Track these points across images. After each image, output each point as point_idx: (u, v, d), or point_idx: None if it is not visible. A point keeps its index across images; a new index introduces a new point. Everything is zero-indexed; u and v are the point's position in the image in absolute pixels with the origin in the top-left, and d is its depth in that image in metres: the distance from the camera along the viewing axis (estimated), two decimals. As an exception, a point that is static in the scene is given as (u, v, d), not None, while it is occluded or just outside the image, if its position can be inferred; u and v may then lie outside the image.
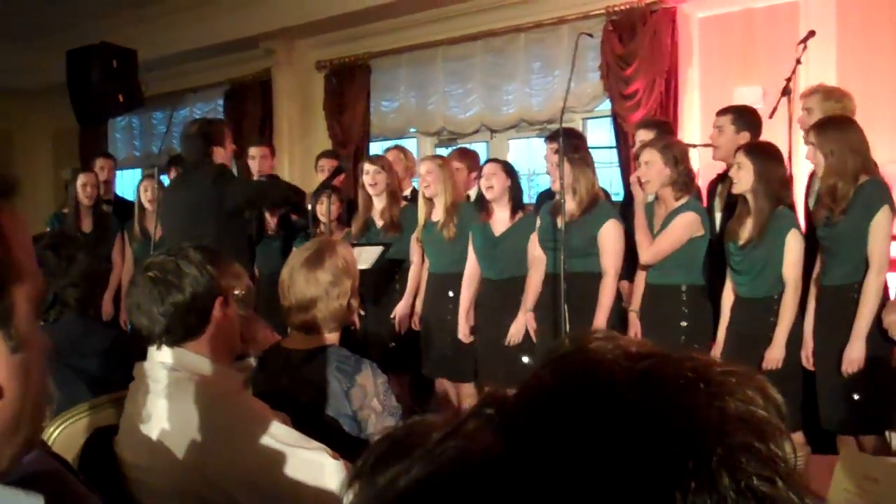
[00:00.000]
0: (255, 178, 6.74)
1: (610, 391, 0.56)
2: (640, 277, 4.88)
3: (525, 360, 5.13)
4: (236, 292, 2.49)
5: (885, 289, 4.19)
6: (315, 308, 2.89)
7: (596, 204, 4.99)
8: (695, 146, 5.58)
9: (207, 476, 2.17)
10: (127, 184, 11.10)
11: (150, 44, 9.02)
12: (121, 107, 8.88)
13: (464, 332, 5.48)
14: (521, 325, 5.22)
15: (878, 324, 4.06)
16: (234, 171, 6.57)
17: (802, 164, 5.18)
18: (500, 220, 5.38)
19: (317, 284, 2.89)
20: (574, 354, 0.60)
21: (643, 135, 5.31)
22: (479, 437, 0.56)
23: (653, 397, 0.55)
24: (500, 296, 5.36)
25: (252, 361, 3.02)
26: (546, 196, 5.84)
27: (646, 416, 0.54)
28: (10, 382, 0.91)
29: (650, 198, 4.97)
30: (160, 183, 6.83)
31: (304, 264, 2.92)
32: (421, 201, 5.72)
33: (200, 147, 5.37)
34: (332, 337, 2.95)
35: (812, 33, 5.40)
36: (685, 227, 4.62)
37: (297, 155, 9.24)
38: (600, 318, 4.85)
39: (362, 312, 5.42)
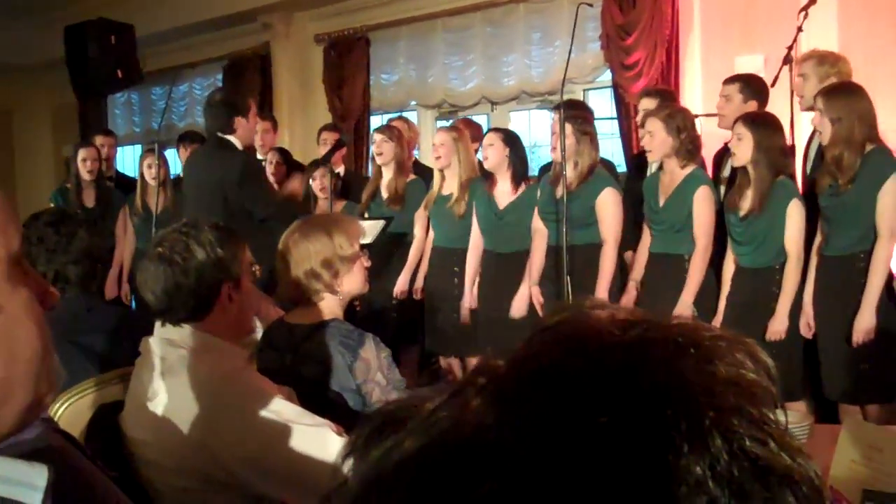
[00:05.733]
0: (259, 150, 6.73)
1: (601, 358, 0.56)
2: (643, 246, 4.88)
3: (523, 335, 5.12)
4: (253, 269, 2.49)
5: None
6: (313, 282, 2.89)
7: (592, 173, 4.98)
8: (697, 117, 5.56)
9: (212, 453, 2.18)
10: (128, 160, 11.10)
11: (147, 19, 8.99)
12: (120, 83, 8.87)
13: (468, 305, 5.47)
14: (524, 298, 5.21)
15: (886, 292, 4.05)
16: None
17: (804, 133, 5.17)
18: (503, 191, 5.35)
19: (316, 257, 2.89)
20: (564, 323, 0.60)
21: (646, 103, 5.30)
22: (472, 407, 0.56)
23: (643, 363, 0.55)
24: (503, 269, 5.35)
25: (256, 337, 3.02)
26: (548, 169, 5.83)
27: (637, 381, 0.54)
28: None
29: (654, 167, 4.96)
30: (163, 158, 6.82)
31: (302, 238, 2.92)
32: (435, 173, 5.69)
33: (223, 116, 5.33)
34: (335, 310, 2.95)
35: (813, 1, 5.36)
36: (709, 202, 4.61)
37: (298, 129, 9.22)
38: (602, 288, 4.84)
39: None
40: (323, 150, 6.29)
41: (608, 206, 4.92)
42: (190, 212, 5.18)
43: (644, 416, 0.53)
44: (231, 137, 5.27)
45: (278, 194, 5.93)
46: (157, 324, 2.36)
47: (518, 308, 5.20)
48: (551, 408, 0.54)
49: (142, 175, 6.90)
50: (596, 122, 5.45)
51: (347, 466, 0.59)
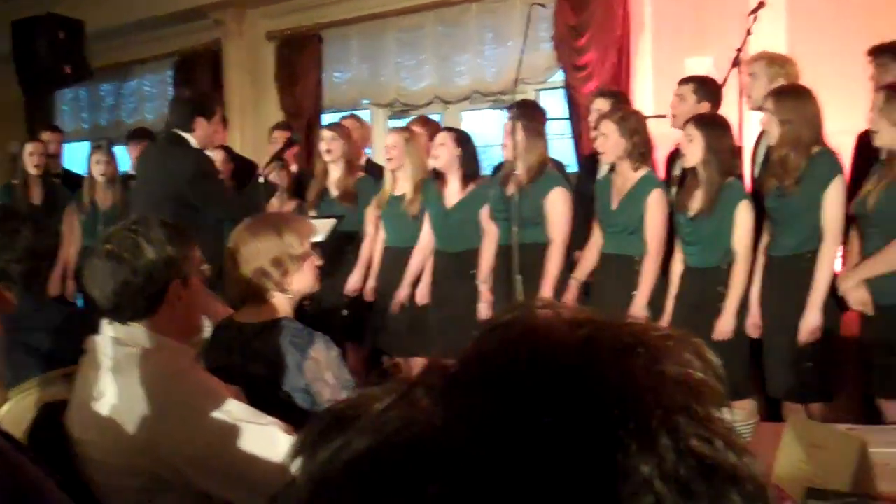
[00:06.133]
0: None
1: (550, 357, 0.56)
2: (592, 246, 4.92)
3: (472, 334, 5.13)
4: (203, 268, 2.46)
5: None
6: (263, 280, 2.87)
7: (543, 172, 5.01)
8: (648, 118, 5.60)
9: (158, 452, 2.16)
10: (75, 156, 10.95)
11: (97, 14, 8.88)
12: (68, 79, 8.75)
13: (402, 299, 5.47)
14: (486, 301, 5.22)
15: (830, 292, 4.11)
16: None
17: (752, 135, 5.23)
18: (452, 191, 5.37)
19: (266, 256, 2.87)
20: (514, 323, 0.61)
21: (599, 104, 5.34)
22: (421, 407, 0.56)
23: (592, 362, 0.55)
24: (452, 268, 5.37)
25: (205, 336, 3.00)
26: (500, 168, 5.85)
27: (585, 380, 0.54)
28: None
29: (605, 168, 5.00)
30: (111, 155, 6.74)
31: (252, 235, 2.90)
32: (387, 173, 5.70)
33: (186, 113, 5.28)
34: (285, 309, 2.93)
35: (762, 4, 5.43)
36: (661, 205, 4.66)
37: (249, 127, 9.15)
38: (547, 287, 4.88)
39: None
40: (274, 149, 6.25)
41: (557, 206, 4.95)
42: (139, 207, 5.13)
43: (592, 415, 0.53)
44: (188, 136, 5.23)
45: (234, 194, 5.89)
46: (104, 322, 2.33)
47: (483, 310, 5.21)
48: (500, 408, 0.54)
49: (90, 172, 6.81)
50: (548, 123, 5.48)
51: (295, 466, 0.59)
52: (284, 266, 2.87)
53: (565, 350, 0.56)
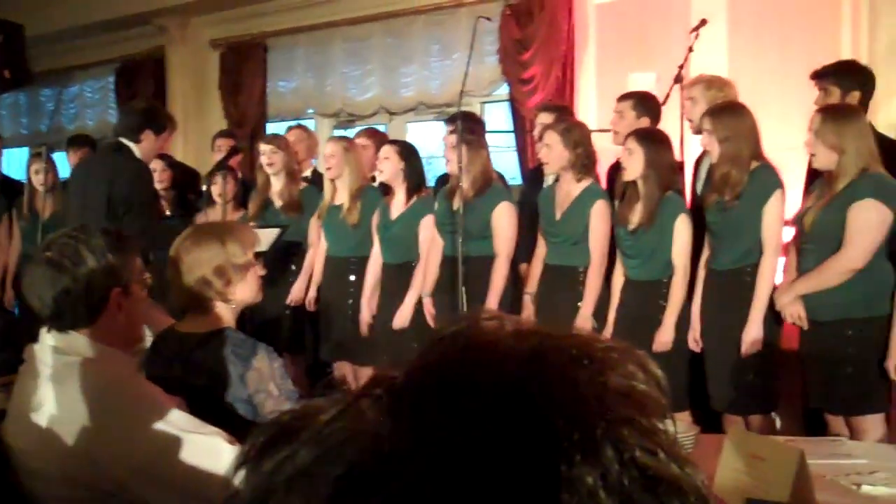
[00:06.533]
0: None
1: (496, 369, 0.56)
2: (538, 259, 4.95)
3: (414, 346, 5.14)
4: (144, 278, 2.44)
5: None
6: (205, 290, 2.84)
7: (489, 186, 5.04)
8: (592, 132, 5.66)
9: (98, 463, 2.13)
10: (13, 163, 10.76)
11: (38, 19, 8.72)
12: (7, 83, 8.57)
13: (364, 316, 5.46)
14: (408, 309, 5.23)
15: (769, 306, 4.17)
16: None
17: (693, 150, 5.31)
18: (397, 203, 5.38)
19: (208, 265, 2.84)
20: (460, 334, 0.61)
21: (543, 118, 5.38)
22: (367, 418, 0.56)
23: (538, 374, 0.56)
24: (395, 279, 5.38)
25: (146, 345, 2.96)
26: (444, 180, 5.87)
27: (531, 391, 0.55)
28: None
29: (550, 179, 5.03)
30: (51, 162, 6.64)
31: (195, 245, 2.87)
32: (326, 183, 5.69)
33: (136, 122, 5.21)
34: (227, 319, 2.91)
35: (704, 22, 5.52)
36: (605, 216, 4.71)
37: (192, 135, 9.06)
38: (492, 301, 4.90)
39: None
40: (218, 157, 6.21)
41: (503, 220, 4.99)
42: (75, 214, 5.07)
43: (538, 426, 0.53)
44: (133, 146, 5.17)
45: (155, 221, 5.83)
46: (43, 330, 2.30)
47: (401, 319, 5.21)
48: (447, 419, 0.54)
49: (29, 181, 6.70)
50: (492, 136, 5.52)
51: (239, 477, 0.59)
52: (227, 275, 2.85)
53: (511, 361, 0.57)
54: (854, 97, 4.48)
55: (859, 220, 3.82)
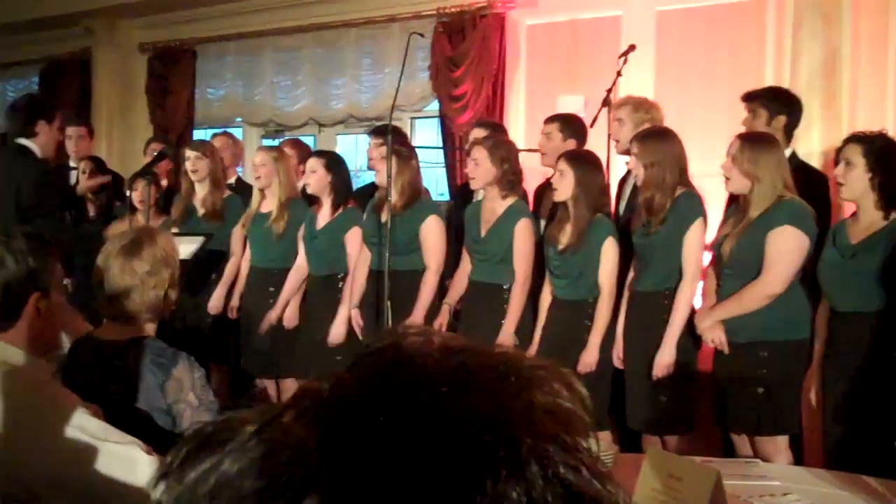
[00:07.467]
0: (73, 157, 6.51)
1: (423, 384, 0.57)
2: (462, 273, 4.97)
3: (339, 358, 5.11)
4: (64, 283, 2.39)
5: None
6: (130, 298, 2.80)
7: (417, 200, 5.05)
8: (521, 151, 5.71)
9: (11, 470, 2.08)
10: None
11: (-41, 16, 8.56)
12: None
13: (273, 320, 5.43)
14: (342, 324, 5.21)
15: (686, 330, 4.23)
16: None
17: (618, 172, 5.38)
18: (323, 214, 5.36)
19: (133, 274, 2.79)
20: (388, 349, 0.61)
21: (477, 133, 5.41)
22: (294, 431, 0.56)
23: (465, 389, 0.56)
24: (319, 291, 5.36)
25: (64, 352, 2.90)
26: (364, 192, 5.86)
27: (458, 407, 0.55)
28: None
29: (479, 195, 5.06)
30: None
31: (121, 252, 2.82)
32: (255, 192, 5.65)
33: (25, 119, 5.11)
34: (148, 328, 2.86)
35: (633, 47, 5.61)
36: (529, 234, 4.74)
37: (117, 138, 8.94)
38: (418, 313, 4.91)
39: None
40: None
41: (432, 233, 5.01)
42: None
43: (464, 441, 0.53)
44: (31, 143, 5.07)
45: (63, 223, 5.75)
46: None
47: (336, 335, 5.18)
48: (372, 433, 0.54)
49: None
50: (422, 152, 5.53)
51: (161, 488, 0.58)
52: (149, 283, 2.81)
53: (438, 376, 0.57)
54: (780, 121, 4.61)
55: (777, 247, 3.90)
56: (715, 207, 4.61)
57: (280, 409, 0.58)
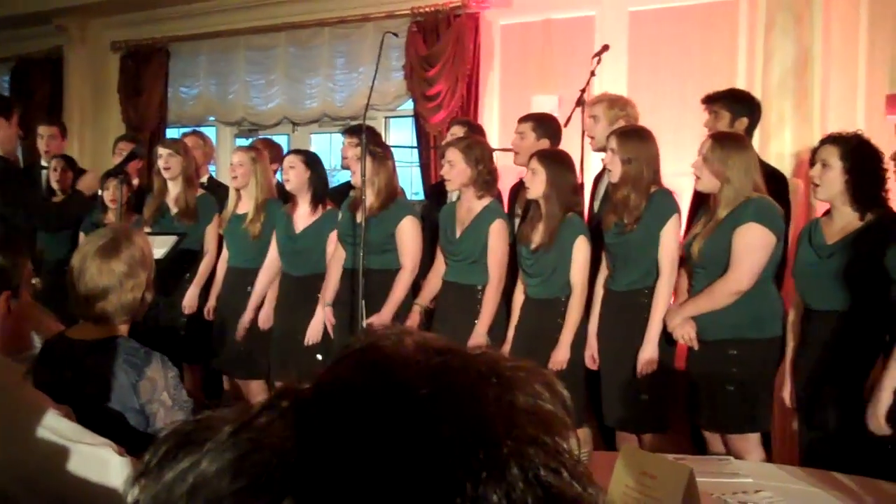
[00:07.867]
0: (44, 157, 6.47)
1: (404, 385, 0.57)
2: (435, 273, 4.97)
3: (319, 357, 5.12)
4: (33, 282, 2.37)
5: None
6: (107, 299, 2.78)
7: (393, 200, 5.05)
8: (495, 151, 5.71)
9: (-19, 472, 2.06)
10: None
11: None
12: None
13: (247, 322, 5.41)
14: (319, 323, 5.20)
15: (663, 327, 4.25)
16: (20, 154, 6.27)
17: (593, 172, 5.40)
18: (302, 214, 5.35)
19: (110, 274, 2.77)
20: (369, 349, 0.61)
21: (456, 131, 5.43)
22: (272, 431, 0.55)
23: (446, 391, 0.56)
24: (297, 292, 5.34)
25: (35, 352, 2.87)
26: (339, 191, 5.85)
27: (439, 408, 0.55)
28: None
29: (454, 196, 5.06)
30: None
31: (98, 253, 2.80)
32: (231, 192, 5.62)
33: None
34: (121, 328, 2.84)
35: (606, 47, 5.63)
36: (503, 235, 4.75)
37: (88, 137, 8.88)
38: (387, 311, 4.92)
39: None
40: (118, 161, 6.08)
41: (407, 233, 5.01)
42: None
43: (444, 443, 0.53)
44: None
45: (43, 202, 5.73)
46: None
47: (313, 334, 5.18)
48: (353, 433, 0.54)
49: None
50: (396, 151, 5.53)
51: (138, 488, 0.58)
52: (127, 285, 2.79)
53: (419, 377, 0.57)
54: (742, 123, 4.65)
55: (743, 243, 3.93)
56: (686, 206, 4.64)
57: (259, 410, 0.58)
